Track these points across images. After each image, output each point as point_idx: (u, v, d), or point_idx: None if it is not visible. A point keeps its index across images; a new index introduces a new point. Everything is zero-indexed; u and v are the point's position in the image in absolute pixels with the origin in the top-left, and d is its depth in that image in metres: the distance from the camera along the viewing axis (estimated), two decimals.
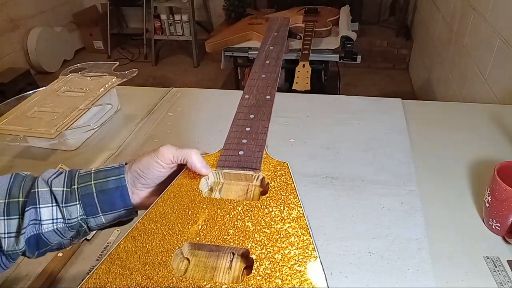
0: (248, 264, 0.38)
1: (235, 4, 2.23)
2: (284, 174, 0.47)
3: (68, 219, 0.41)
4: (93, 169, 0.45)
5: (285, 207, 0.42)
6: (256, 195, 0.46)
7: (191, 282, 0.36)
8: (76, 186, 0.42)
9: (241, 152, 0.49)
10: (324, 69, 2.02)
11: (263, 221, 0.41)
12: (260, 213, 0.42)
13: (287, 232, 0.39)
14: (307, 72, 1.58)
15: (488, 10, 1.48)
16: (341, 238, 0.63)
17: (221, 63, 1.99)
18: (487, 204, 0.63)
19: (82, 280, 0.36)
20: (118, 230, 0.66)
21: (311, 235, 0.39)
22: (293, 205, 0.42)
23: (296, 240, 0.38)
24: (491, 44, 1.41)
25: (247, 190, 0.47)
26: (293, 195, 0.44)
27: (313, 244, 0.38)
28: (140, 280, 0.36)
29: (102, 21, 3.60)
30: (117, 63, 1.06)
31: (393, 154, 0.81)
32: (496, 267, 0.58)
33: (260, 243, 0.38)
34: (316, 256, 0.37)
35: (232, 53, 1.94)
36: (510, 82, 1.25)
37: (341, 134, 0.89)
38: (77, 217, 0.42)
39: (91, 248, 0.64)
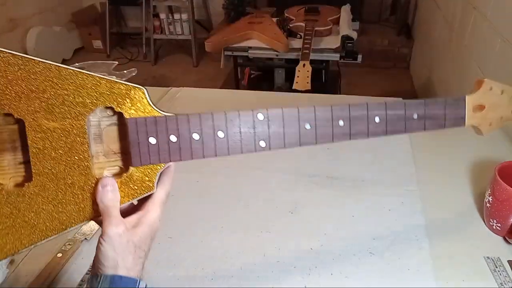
0: None
1: (235, 3, 2.22)
2: None
3: None
4: None
5: None
6: None
7: None
8: None
9: None
10: (325, 69, 2.02)
11: None
12: None
13: None
14: (308, 71, 1.58)
15: (489, 9, 1.48)
16: (341, 238, 0.63)
17: (221, 62, 1.98)
18: (488, 204, 0.63)
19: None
20: None
21: None
22: None
23: None
24: (492, 43, 1.41)
25: None
26: None
27: None
28: None
29: (101, 20, 3.59)
30: (116, 62, 1.06)
31: (394, 154, 0.81)
32: (496, 267, 0.58)
33: None
34: None
35: (232, 53, 1.93)
36: (511, 82, 1.25)
37: None
38: None
39: (91, 248, 0.64)
